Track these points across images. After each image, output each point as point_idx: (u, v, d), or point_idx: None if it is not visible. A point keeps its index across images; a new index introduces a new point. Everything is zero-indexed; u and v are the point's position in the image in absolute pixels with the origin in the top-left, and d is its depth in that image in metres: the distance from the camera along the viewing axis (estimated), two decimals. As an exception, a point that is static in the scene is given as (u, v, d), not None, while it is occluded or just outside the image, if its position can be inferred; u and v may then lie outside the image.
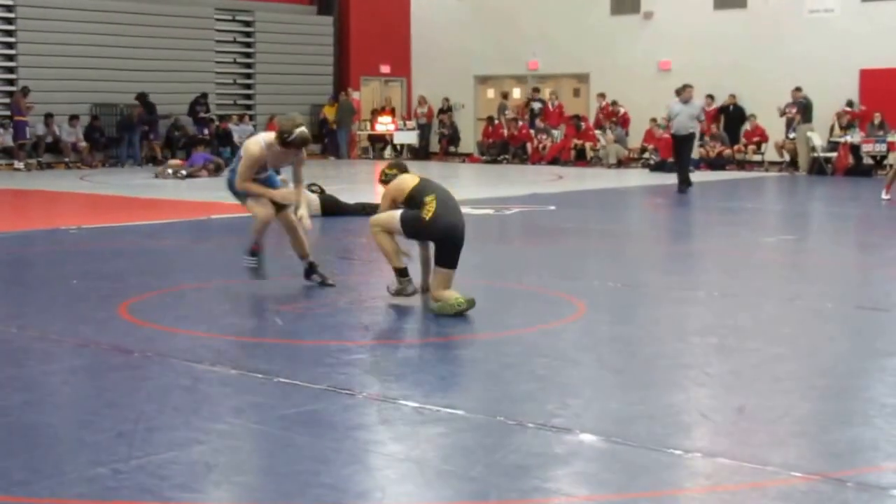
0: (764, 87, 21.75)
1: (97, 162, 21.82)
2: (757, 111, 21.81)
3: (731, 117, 22.38)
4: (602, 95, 23.90)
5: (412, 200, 6.87)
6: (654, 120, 23.10)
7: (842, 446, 4.05)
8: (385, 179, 7.14)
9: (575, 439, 4.11)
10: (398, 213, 6.88)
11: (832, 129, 20.85)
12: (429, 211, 6.76)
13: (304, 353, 5.66)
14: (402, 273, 6.90)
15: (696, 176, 20.29)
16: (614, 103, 23.32)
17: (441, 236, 6.77)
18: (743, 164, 21.79)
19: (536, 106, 24.48)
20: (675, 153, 16.74)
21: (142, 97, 22.09)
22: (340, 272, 8.20)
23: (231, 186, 7.52)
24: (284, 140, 7.09)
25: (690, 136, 16.80)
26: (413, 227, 6.83)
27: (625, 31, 24.15)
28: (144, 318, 6.45)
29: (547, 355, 5.59)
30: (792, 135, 20.67)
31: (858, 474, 3.72)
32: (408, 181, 6.97)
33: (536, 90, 24.93)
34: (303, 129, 7.16)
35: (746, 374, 5.24)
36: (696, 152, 22.70)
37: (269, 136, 7.26)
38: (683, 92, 16.33)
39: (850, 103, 20.69)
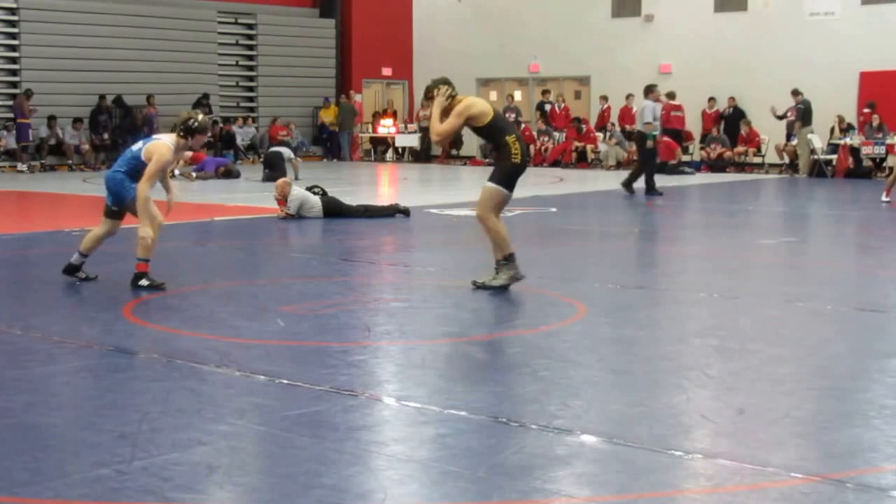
0: (764, 90, 21.76)
1: (100, 164, 21.85)
2: (757, 113, 21.83)
3: (732, 120, 22.39)
4: (605, 98, 23.91)
5: (491, 132, 7.23)
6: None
7: (842, 447, 4.07)
8: (448, 94, 7.25)
9: (576, 440, 4.13)
10: (492, 184, 7.22)
11: (832, 131, 20.86)
12: (516, 154, 7.19)
13: (307, 355, 5.67)
14: (512, 258, 7.18)
15: (697, 178, 20.35)
16: (628, 96, 23.00)
17: (523, 170, 7.33)
18: (743, 167, 21.80)
19: (547, 107, 24.45)
20: (650, 156, 16.06)
21: (118, 99, 22.04)
22: (343, 273, 8.21)
23: (120, 186, 7.60)
24: (190, 127, 7.40)
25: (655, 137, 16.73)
26: (513, 180, 7.28)
27: (625, 33, 24.18)
28: (148, 319, 6.47)
29: (548, 356, 5.60)
30: (794, 140, 20.67)
31: (858, 475, 3.73)
32: (487, 107, 7.25)
33: (547, 92, 24.88)
34: (204, 117, 7.60)
35: (747, 376, 5.25)
36: (697, 154, 22.76)
37: (172, 137, 7.56)
38: (653, 91, 16.13)
39: (870, 105, 20.57)
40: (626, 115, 22.87)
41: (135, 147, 7.76)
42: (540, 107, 24.67)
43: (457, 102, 7.25)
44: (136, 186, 7.47)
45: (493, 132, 7.31)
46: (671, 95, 21.89)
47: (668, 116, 21.91)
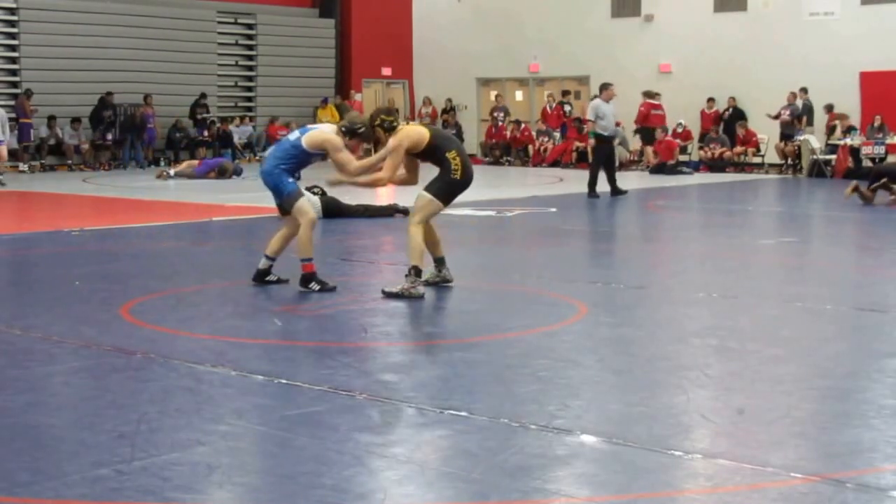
0: (764, 90, 21.76)
1: (99, 164, 21.86)
2: (758, 114, 21.83)
3: (731, 120, 22.40)
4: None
5: (432, 153, 7.11)
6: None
7: (841, 447, 4.07)
8: (387, 126, 7.17)
9: (576, 440, 4.13)
10: (428, 195, 7.12)
11: (833, 130, 20.87)
12: (457, 168, 7.09)
13: (305, 355, 5.67)
14: (419, 273, 7.04)
15: (696, 177, 20.35)
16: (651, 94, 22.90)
17: (466, 186, 7.24)
18: (742, 167, 21.81)
19: (567, 108, 24.39)
20: (603, 157, 15.65)
21: (108, 96, 22.02)
22: (342, 274, 8.21)
23: (278, 180, 7.21)
24: (354, 130, 7.21)
25: (613, 139, 16.52)
26: (451, 194, 7.19)
27: (625, 33, 24.17)
28: (146, 319, 6.47)
29: (548, 357, 5.60)
30: (801, 137, 20.67)
31: (858, 475, 3.73)
32: (422, 132, 7.17)
33: (567, 92, 24.83)
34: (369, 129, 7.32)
35: (746, 376, 5.25)
36: (696, 154, 22.76)
37: (332, 127, 7.37)
38: (606, 90, 15.76)
39: (829, 107, 20.81)
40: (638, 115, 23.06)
41: (291, 137, 7.39)
42: (561, 107, 24.65)
43: (391, 136, 7.13)
44: (293, 182, 7.23)
45: (434, 153, 7.16)
46: (650, 94, 22.00)
47: (646, 114, 21.99)
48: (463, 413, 4.44)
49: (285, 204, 7.30)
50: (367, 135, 7.29)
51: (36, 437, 4.18)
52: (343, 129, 7.26)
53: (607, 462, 3.93)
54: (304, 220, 7.21)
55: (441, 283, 7.48)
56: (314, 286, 7.20)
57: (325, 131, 7.34)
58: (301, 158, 7.29)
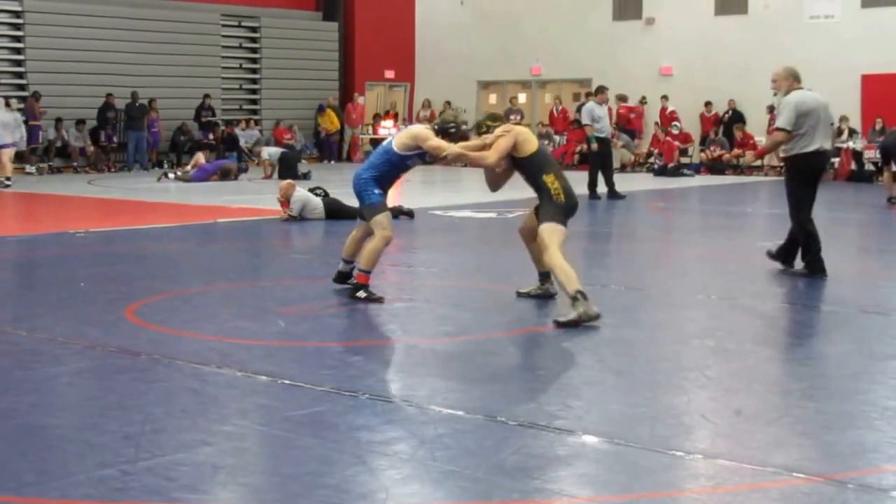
0: (764, 93, 21.71)
1: (105, 166, 21.92)
2: (759, 117, 21.84)
3: (731, 123, 22.42)
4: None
5: (529, 166, 6.77)
6: (657, 124, 23.20)
7: (843, 448, 4.08)
8: (488, 131, 6.96)
9: (577, 441, 4.15)
10: (547, 224, 6.64)
11: (840, 132, 20.87)
12: (558, 193, 6.72)
13: (308, 356, 5.69)
14: (584, 295, 6.34)
15: (697, 180, 20.36)
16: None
17: (571, 210, 6.85)
18: (742, 169, 21.82)
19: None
20: (600, 159, 15.75)
21: (108, 97, 22.07)
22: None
23: (364, 187, 7.08)
24: (446, 129, 7.03)
25: (609, 140, 16.58)
26: (564, 218, 6.75)
27: (627, 36, 24.20)
28: (151, 321, 6.49)
29: (549, 357, 5.62)
30: None
31: (859, 476, 3.75)
32: (532, 138, 6.87)
33: (591, 94, 24.87)
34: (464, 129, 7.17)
35: (746, 377, 5.27)
36: (696, 156, 22.78)
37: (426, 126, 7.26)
38: (601, 93, 15.99)
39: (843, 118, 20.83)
40: (619, 117, 23.20)
41: (384, 142, 7.29)
42: (579, 109, 24.70)
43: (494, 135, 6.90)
44: (378, 194, 7.05)
45: (531, 167, 6.85)
46: (623, 98, 22.07)
47: (626, 118, 22.07)
48: (464, 413, 4.46)
49: (365, 212, 7.19)
50: (459, 135, 7.07)
51: (41, 437, 4.20)
52: (436, 127, 7.14)
53: (609, 462, 3.95)
54: (379, 234, 7.07)
55: (544, 297, 7.20)
56: (361, 294, 7.06)
57: (412, 128, 7.27)
58: (395, 162, 7.12)
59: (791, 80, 8.59)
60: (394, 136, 7.28)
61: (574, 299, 6.30)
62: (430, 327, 6.59)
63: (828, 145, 8.69)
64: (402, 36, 27.03)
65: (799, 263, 8.53)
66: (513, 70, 25.93)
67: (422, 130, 7.12)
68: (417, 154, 7.13)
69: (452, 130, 7.04)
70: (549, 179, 6.74)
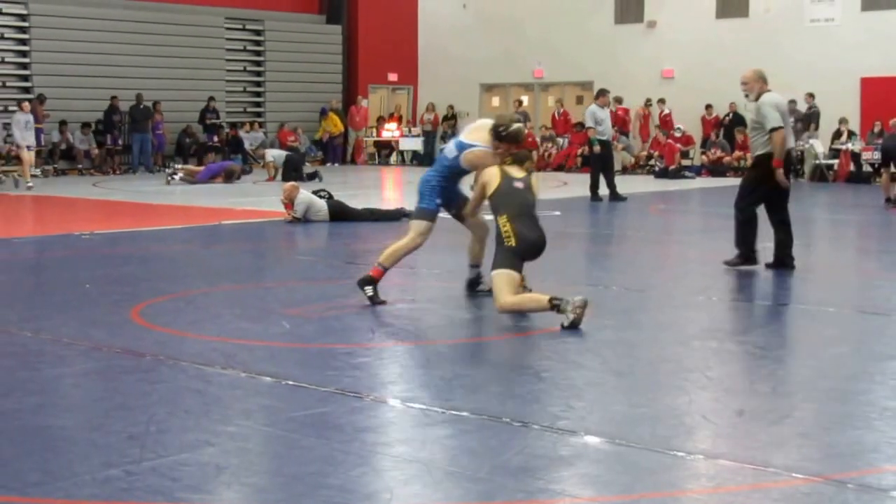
0: (766, 95, 21.80)
1: (110, 168, 21.98)
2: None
3: (732, 125, 22.44)
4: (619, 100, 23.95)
5: (491, 204, 6.70)
6: (658, 126, 23.22)
7: (843, 448, 4.10)
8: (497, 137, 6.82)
9: (580, 441, 4.17)
10: (496, 270, 6.47)
11: (835, 135, 20.91)
12: (508, 236, 6.47)
13: (312, 357, 5.72)
14: (558, 299, 6.26)
15: (698, 182, 20.38)
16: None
17: (530, 254, 6.59)
18: (742, 171, 21.83)
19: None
20: (602, 162, 15.83)
21: (113, 99, 22.14)
22: (347, 277, 8.25)
23: (423, 187, 7.10)
24: (498, 133, 6.80)
25: (611, 143, 16.63)
26: (517, 264, 6.48)
27: (628, 39, 24.24)
28: (156, 322, 6.52)
29: (551, 358, 5.64)
30: (807, 144, 20.69)
31: (859, 476, 3.77)
32: (494, 180, 6.63)
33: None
34: (517, 127, 6.88)
35: (747, 377, 5.29)
36: (698, 159, 22.80)
37: (487, 138, 6.88)
38: (603, 96, 16.08)
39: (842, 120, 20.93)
40: (617, 119, 23.29)
41: (450, 155, 7.13)
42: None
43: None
44: (435, 203, 7.03)
45: (492, 208, 6.76)
46: (618, 100, 22.16)
47: (622, 119, 22.18)
48: (467, 413, 4.49)
49: (415, 212, 7.27)
50: (509, 138, 6.82)
51: (46, 438, 4.22)
52: (495, 130, 6.90)
53: (611, 463, 3.97)
54: (412, 236, 7.10)
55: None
56: (368, 290, 7.04)
57: (480, 149, 6.91)
58: (458, 170, 7.13)
59: (761, 82, 8.91)
60: (458, 147, 7.07)
61: (555, 307, 6.22)
62: (433, 329, 6.60)
63: (794, 144, 8.90)
64: (405, 39, 27.08)
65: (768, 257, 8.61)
66: (515, 73, 25.97)
67: (486, 170, 6.83)
68: None
69: (503, 134, 6.82)
70: (500, 221, 6.53)
